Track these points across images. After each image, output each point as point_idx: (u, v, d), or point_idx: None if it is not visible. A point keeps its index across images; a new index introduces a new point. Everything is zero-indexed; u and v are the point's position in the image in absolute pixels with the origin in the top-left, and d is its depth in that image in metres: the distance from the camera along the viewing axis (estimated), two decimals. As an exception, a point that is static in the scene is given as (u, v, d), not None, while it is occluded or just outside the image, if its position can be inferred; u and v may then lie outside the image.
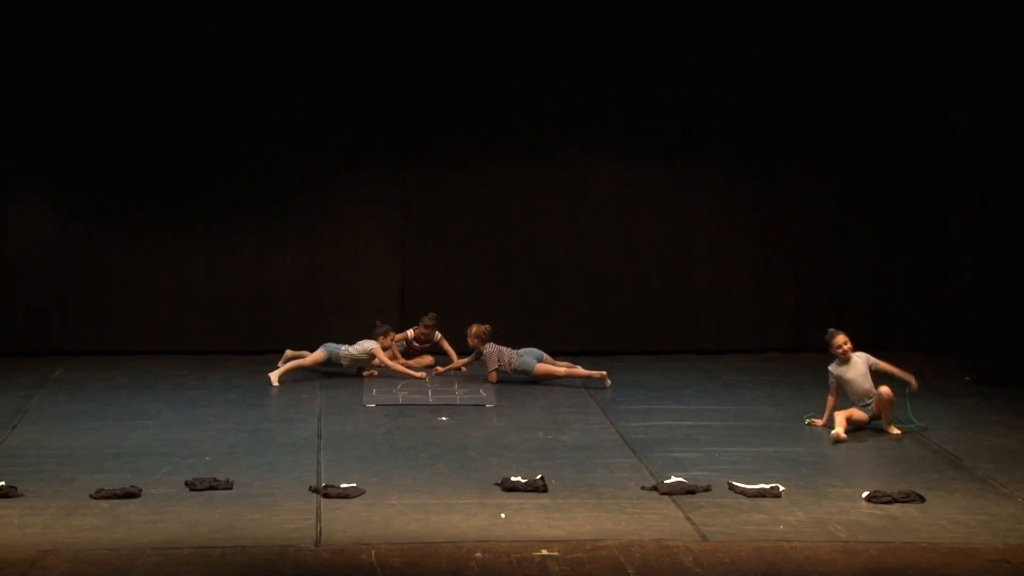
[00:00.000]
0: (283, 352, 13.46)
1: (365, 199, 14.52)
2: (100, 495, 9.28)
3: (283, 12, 14.20)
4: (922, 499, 9.44)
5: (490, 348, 13.19)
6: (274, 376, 12.99)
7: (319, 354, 13.25)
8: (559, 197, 14.68)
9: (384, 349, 13.37)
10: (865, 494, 9.49)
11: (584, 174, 14.70)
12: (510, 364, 13.17)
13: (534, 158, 14.61)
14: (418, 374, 13.34)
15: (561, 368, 13.26)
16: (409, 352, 13.86)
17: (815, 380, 13.48)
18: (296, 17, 14.21)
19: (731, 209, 14.82)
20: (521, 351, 13.27)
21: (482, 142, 14.57)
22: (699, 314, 14.84)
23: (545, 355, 13.34)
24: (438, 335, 13.84)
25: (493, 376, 13.12)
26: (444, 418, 11.83)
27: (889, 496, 9.42)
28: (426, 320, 13.77)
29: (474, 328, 13.23)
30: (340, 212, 14.50)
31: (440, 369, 13.55)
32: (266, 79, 14.21)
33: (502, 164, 14.61)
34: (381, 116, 14.40)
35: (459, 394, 12.71)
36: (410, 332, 13.86)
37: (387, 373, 13.34)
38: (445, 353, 13.83)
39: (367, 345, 13.30)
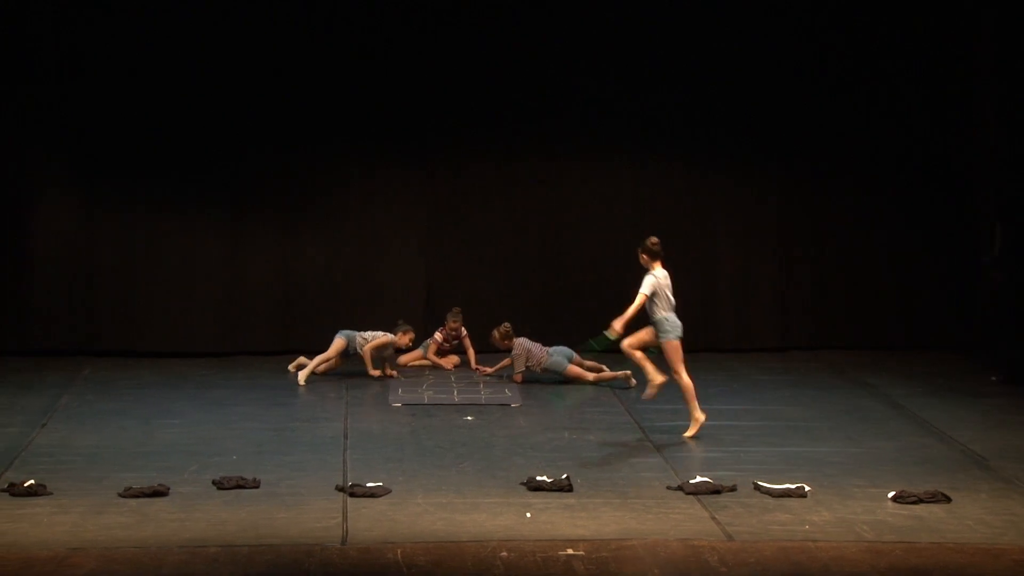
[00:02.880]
0: (309, 352, 13.49)
1: (390, 197, 14.56)
2: (128, 493, 9.33)
3: (311, 8, 14.24)
4: (948, 499, 9.41)
5: (518, 348, 13.17)
6: (302, 376, 13.03)
7: (339, 342, 13.20)
8: (582, 198, 14.70)
9: (398, 350, 13.36)
10: (891, 494, 9.47)
11: (607, 176, 14.72)
12: (539, 364, 13.16)
13: (558, 159, 14.64)
14: (443, 362, 13.28)
15: (590, 375, 13.21)
16: (439, 353, 13.89)
17: (839, 379, 13.49)
18: (325, 14, 14.25)
19: (752, 209, 14.81)
20: (551, 350, 13.26)
21: (507, 143, 14.60)
22: (721, 313, 14.83)
23: (575, 355, 13.32)
24: (463, 331, 13.83)
25: (518, 377, 13.13)
26: (470, 417, 11.86)
27: (915, 496, 9.40)
28: (451, 316, 13.79)
29: (496, 333, 13.22)
30: (366, 210, 14.54)
31: (488, 370, 13.45)
32: (294, 76, 14.26)
33: (526, 165, 14.63)
34: (408, 115, 14.44)
35: (485, 394, 12.74)
36: (438, 335, 13.86)
37: (405, 371, 13.41)
38: (465, 352, 13.84)
39: (384, 338, 13.30)
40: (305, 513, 9.02)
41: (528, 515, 9.02)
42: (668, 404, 12.30)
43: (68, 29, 14.01)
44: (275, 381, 13.23)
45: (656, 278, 10.96)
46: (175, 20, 14.07)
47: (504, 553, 8.27)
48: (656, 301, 10.95)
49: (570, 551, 8.30)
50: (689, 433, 11.13)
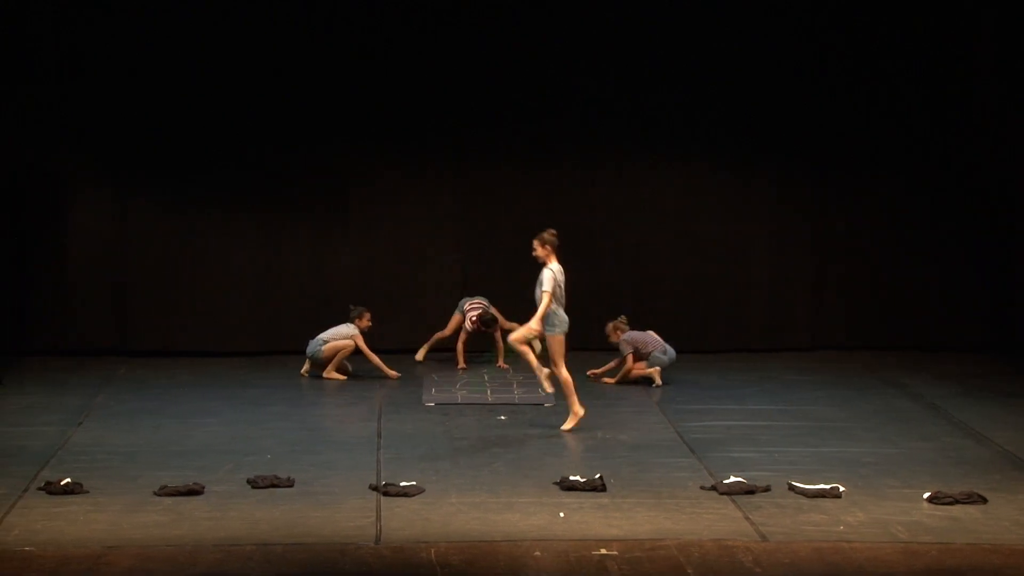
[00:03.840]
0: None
1: (424, 197, 14.59)
2: (164, 492, 9.38)
3: (347, 9, 14.28)
4: (984, 500, 9.36)
5: (624, 344, 13.05)
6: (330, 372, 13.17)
7: (307, 363, 13.26)
8: (616, 201, 14.69)
9: (362, 332, 13.23)
10: (926, 495, 9.42)
11: (639, 178, 14.72)
12: (646, 350, 12.99)
13: (592, 161, 14.65)
14: (392, 373, 13.18)
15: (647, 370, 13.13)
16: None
17: (874, 379, 13.43)
18: (361, 16, 14.28)
19: (785, 209, 14.77)
20: (665, 347, 13.10)
21: (541, 145, 14.60)
22: (754, 313, 14.81)
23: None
24: (497, 326, 13.79)
25: (629, 360, 12.91)
26: (503, 417, 11.87)
27: (950, 497, 9.35)
28: (484, 316, 13.82)
29: (609, 326, 13.12)
30: (399, 210, 14.56)
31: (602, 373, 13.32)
32: (329, 77, 14.30)
33: (561, 166, 14.64)
34: (442, 116, 14.46)
35: (518, 393, 12.75)
36: (468, 324, 13.84)
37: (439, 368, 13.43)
38: (495, 343, 13.85)
39: (345, 330, 13.25)
40: (339, 512, 9.05)
41: (562, 515, 9.02)
42: (702, 404, 12.29)
43: (101, 30, 14.08)
44: (309, 381, 13.27)
45: (554, 273, 11.01)
46: (213, 20, 14.12)
47: (537, 553, 8.27)
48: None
49: (603, 551, 8.30)
50: (566, 426, 11.19)
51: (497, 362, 13.78)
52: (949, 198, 14.74)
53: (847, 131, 14.66)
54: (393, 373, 13.19)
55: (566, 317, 11.11)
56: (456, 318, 13.85)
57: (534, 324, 11.03)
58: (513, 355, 12.00)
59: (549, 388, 11.28)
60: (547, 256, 11.05)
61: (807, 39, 14.51)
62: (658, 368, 13.06)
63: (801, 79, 14.55)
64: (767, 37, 14.50)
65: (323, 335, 13.25)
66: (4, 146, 13.77)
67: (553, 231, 11.12)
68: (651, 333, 13.26)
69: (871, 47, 14.57)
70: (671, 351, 13.19)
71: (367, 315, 13.34)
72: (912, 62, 14.59)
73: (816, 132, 14.63)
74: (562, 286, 11.05)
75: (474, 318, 13.69)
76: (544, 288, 10.97)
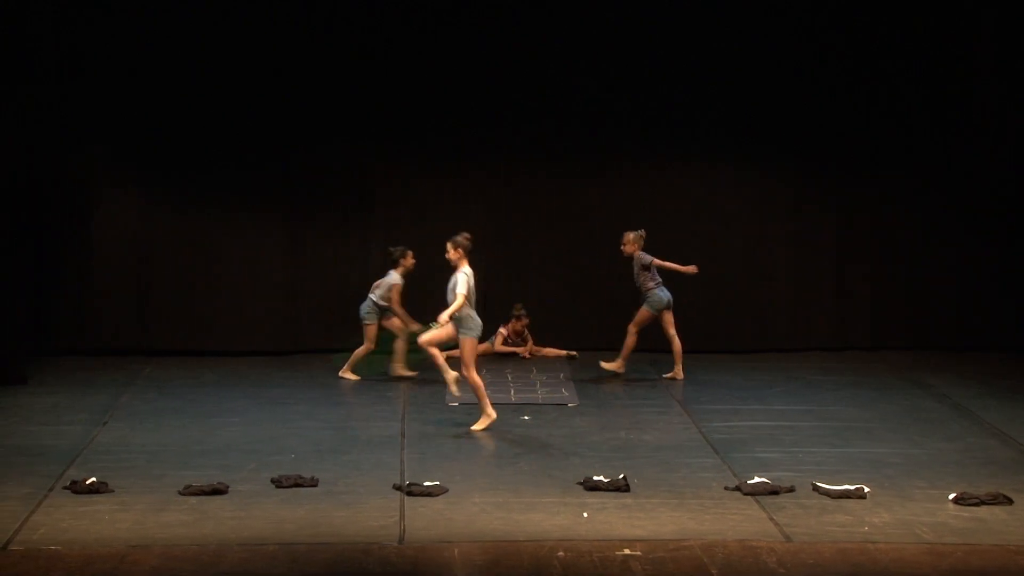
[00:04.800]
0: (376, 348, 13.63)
1: (447, 198, 14.60)
2: (188, 491, 9.41)
3: (373, 14, 14.30)
4: (1010, 501, 9.32)
5: (641, 256, 13.15)
6: (345, 371, 13.18)
7: (369, 328, 13.21)
8: (640, 199, 14.68)
9: (405, 274, 13.14)
10: (952, 496, 9.38)
11: (665, 177, 14.73)
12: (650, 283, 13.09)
13: (615, 163, 14.65)
14: (415, 325, 13.08)
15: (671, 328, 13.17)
16: (506, 344, 14.27)
17: (898, 380, 13.39)
18: (388, 20, 14.31)
19: (811, 209, 14.75)
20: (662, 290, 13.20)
21: (563, 144, 14.60)
22: (778, 313, 14.78)
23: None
24: (526, 320, 14.23)
25: (656, 262, 13.00)
26: (526, 417, 11.87)
27: (976, 498, 9.31)
28: (515, 312, 14.15)
29: (631, 235, 13.16)
30: (422, 210, 14.58)
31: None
32: (354, 78, 14.32)
33: (583, 166, 14.64)
34: (464, 118, 14.48)
35: (541, 393, 12.75)
36: (503, 329, 14.14)
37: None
38: (525, 343, 14.21)
39: (389, 280, 13.16)
40: (363, 512, 9.07)
41: (585, 515, 9.02)
42: (726, 404, 12.28)
43: (129, 30, 14.12)
44: (333, 380, 13.30)
45: (467, 276, 11.09)
46: (241, 21, 14.16)
47: (561, 553, 8.27)
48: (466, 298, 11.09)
49: (627, 551, 8.29)
50: (476, 427, 11.24)
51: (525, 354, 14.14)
52: (975, 198, 14.69)
53: (871, 130, 14.62)
54: (416, 325, 13.10)
55: (479, 320, 11.25)
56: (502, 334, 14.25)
57: (443, 319, 11.08)
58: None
59: (456, 392, 11.36)
60: (459, 260, 11.20)
61: (835, 37, 14.47)
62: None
63: (829, 78, 14.53)
64: (793, 36, 14.47)
65: (372, 295, 13.21)
66: (28, 147, 13.82)
67: (468, 235, 11.28)
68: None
69: (900, 45, 14.51)
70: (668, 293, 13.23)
71: (409, 254, 13.21)
72: (941, 61, 14.52)
73: (840, 131, 14.61)
74: (473, 289, 11.15)
75: (507, 326, 14.18)
76: (459, 290, 11.08)
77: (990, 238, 14.71)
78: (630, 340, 13.25)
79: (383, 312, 13.21)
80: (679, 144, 14.64)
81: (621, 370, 13.33)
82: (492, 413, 11.28)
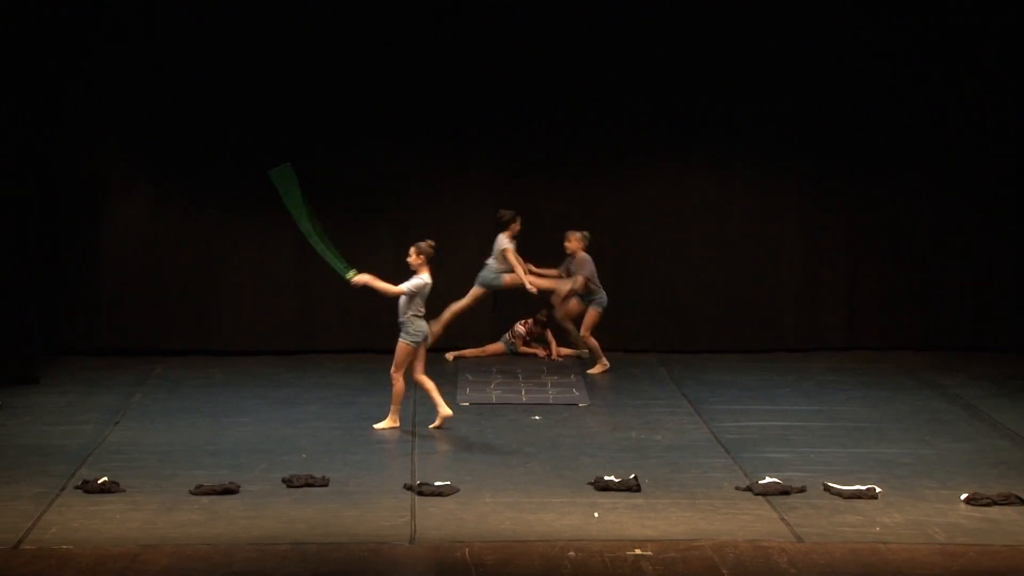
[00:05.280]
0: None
1: (457, 199, 14.58)
2: (199, 491, 9.43)
3: (386, 16, 14.29)
4: (1022, 501, 9.30)
5: (582, 261, 13.39)
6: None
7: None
8: (650, 199, 14.66)
9: (512, 239, 13.19)
10: (964, 496, 9.37)
11: (674, 177, 14.68)
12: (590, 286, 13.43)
13: (624, 163, 14.61)
14: (533, 350, 13.87)
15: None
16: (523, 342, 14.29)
17: (910, 380, 13.36)
18: (400, 23, 14.29)
19: (821, 208, 14.70)
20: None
21: (576, 149, 14.57)
22: (789, 313, 14.76)
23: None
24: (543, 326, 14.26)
25: (580, 280, 13.28)
26: (537, 417, 11.87)
27: (988, 498, 9.29)
28: (540, 316, 14.16)
29: (577, 234, 13.41)
30: (433, 211, 14.55)
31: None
32: (364, 80, 14.29)
33: (592, 168, 14.61)
34: (474, 118, 14.46)
35: (552, 393, 12.75)
36: (519, 327, 14.15)
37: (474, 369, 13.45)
38: (547, 344, 14.20)
39: (499, 245, 13.17)
40: (373, 512, 9.07)
41: (596, 515, 9.02)
42: (737, 404, 12.26)
43: (139, 32, 14.13)
44: (345, 380, 13.30)
45: (423, 282, 11.17)
46: (251, 24, 14.15)
47: (572, 553, 8.27)
48: (411, 303, 11.13)
49: (638, 551, 8.29)
50: (380, 425, 11.28)
51: (552, 356, 14.14)
52: (986, 197, 14.64)
53: (881, 129, 14.58)
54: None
55: (425, 329, 11.26)
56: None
57: (361, 279, 11.24)
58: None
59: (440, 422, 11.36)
60: (420, 266, 11.26)
61: (839, 35, 14.43)
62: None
63: (839, 76, 14.48)
64: (799, 35, 14.43)
65: (490, 260, 13.22)
66: (40, 148, 13.84)
67: (431, 242, 11.36)
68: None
69: (909, 42, 14.47)
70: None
71: (518, 218, 13.21)
72: (948, 58, 14.49)
73: (850, 130, 14.56)
74: (424, 298, 11.22)
75: (525, 323, 14.24)
76: (403, 286, 11.14)
77: (1002, 237, 14.67)
78: (592, 343, 13.43)
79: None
80: (686, 143, 14.59)
81: (607, 365, 13.42)
82: (397, 422, 11.30)
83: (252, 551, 8.31)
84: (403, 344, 11.19)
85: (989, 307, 14.71)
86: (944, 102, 14.54)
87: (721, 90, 14.49)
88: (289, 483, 9.67)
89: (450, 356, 13.95)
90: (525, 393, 12.74)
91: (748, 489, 9.56)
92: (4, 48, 12.88)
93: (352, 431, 11.31)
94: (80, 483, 9.56)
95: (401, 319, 11.21)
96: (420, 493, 9.44)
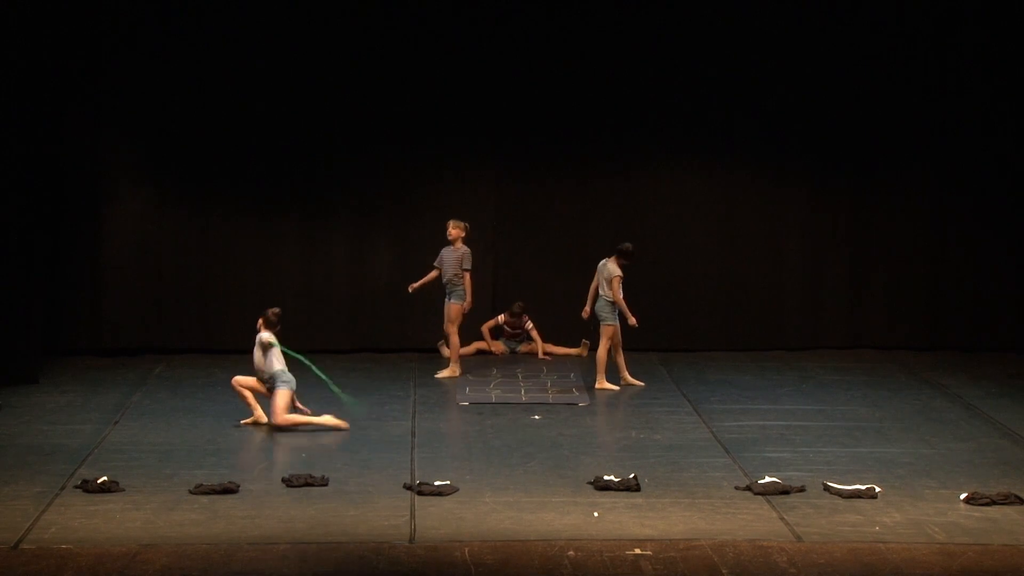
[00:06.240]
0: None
1: (459, 199, 14.57)
2: (199, 490, 9.43)
3: (387, 18, 14.29)
4: (1022, 501, 9.30)
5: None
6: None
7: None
8: (651, 200, 14.67)
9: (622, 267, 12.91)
10: (963, 496, 9.37)
11: (675, 178, 14.70)
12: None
13: (629, 165, 14.63)
14: (493, 345, 14.20)
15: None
16: (495, 333, 14.37)
17: (911, 380, 13.36)
18: (402, 25, 14.29)
19: (824, 209, 14.72)
20: None
21: (577, 145, 14.58)
22: (791, 312, 14.76)
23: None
24: (528, 324, 14.25)
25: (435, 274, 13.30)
26: (537, 417, 11.87)
27: (987, 498, 9.29)
28: (513, 309, 14.21)
29: (462, 224, 13.29)
30: (435, 212, 14.55)
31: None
32: (368, 82, 14.30)
33: (598, 169, 14.62)
34: (477, 119, 14.47)
35: (552, 393, 12.75)
36: (500, 317, 14.34)
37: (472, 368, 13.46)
38: (533, 341, 14.24)
39: (606, 273, 12.81)
40: (373, 511, 9.07)
41: (596, 514, 9.02)
42: (737, 404, 12.27)
43: (143, 30, 14.13)
44: (345, 380, 13.27)
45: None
46: (256, 25, 14.15)
47: (571, 552, 8.27)
48: (275, 357, 11.43)
49: (638, 551, 8.29)
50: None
51: (539, 354, 14.19)
52: (988, 198, 14.64)
53: (884, 130, 14.58)
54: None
55: (291, 377, 11.48)
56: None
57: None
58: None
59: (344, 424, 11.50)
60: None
61: (841, 37, 14.44)
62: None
63: (843, 76, 14.48)
64: (802, 36, 14.44)
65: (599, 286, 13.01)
66: (42, 146, 13.84)
67: (276, 310, 11.68)
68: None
69: (912, 42, 14.47)
70: None
71: (629, 248, 12.79)
72: (952, 61, 14.49)
73: (853, 131, 14.57)
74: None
75: (505, 316, 14.24)
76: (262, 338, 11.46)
77: (1002, 238, 14.66)
78: (455, 340, 13.25)
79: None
80: (688, 144, 14.61)
81: (458, 372, 13.24)
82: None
83: (252, 551, 8.31)
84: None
85: (989, 307, 14.70)
86: (945, 103, 14.54)
87: (723, 91, 14.50)
88: (289, 483, 9.67)
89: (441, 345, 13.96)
90: (525, 393, 12.74)
91: (748, 489, 9.56)
92: (9, 50, 12.88)
93: (352, 431, 11.30)
94: (80, 482, 9.56)
95: (270, 373, 11.39)
96: (420, 493, 9.44)
